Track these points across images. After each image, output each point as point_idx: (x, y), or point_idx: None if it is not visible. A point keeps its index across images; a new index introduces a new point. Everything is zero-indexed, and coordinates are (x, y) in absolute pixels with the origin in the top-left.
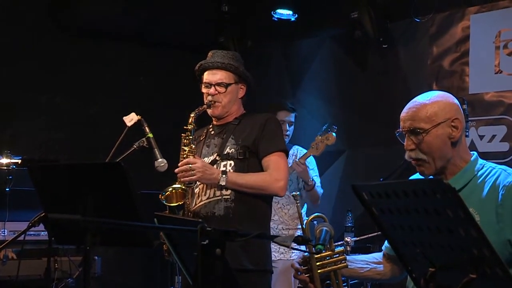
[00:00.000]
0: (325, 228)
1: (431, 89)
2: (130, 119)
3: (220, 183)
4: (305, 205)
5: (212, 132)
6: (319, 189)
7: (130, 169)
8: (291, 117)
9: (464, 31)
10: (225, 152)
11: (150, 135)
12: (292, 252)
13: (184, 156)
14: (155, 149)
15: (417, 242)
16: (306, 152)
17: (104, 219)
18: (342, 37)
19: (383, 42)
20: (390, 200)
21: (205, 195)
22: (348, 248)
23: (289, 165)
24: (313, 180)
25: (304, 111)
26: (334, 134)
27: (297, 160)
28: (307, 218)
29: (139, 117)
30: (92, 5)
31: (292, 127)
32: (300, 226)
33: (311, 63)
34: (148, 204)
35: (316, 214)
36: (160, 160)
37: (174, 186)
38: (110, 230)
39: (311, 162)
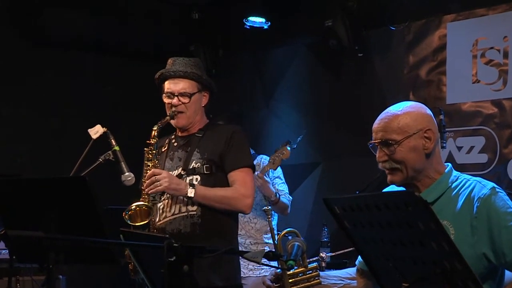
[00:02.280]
0: (297, 243)
1: (407, 99)
2: (96, 131)
3: (188, 194)
4: (276, 217)
5: (175, 144)
6: (286, 199)
7: (96, 183)
8: None
9: (441, 39)
10: (191, 167)
11: (117, 148)
12: (262, 269)
13: (148, 171)
14: (122, 163)
15: (390, 256)
16: (264, 166)
17: (67, 236)
18: (317, 45)
19: (358, 51)
20: (362, 214)
21: (170, 211)
22: (323, 264)
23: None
24: (276, 193)
25: (277, 121)
26: (288, 148)
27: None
28: (279, 232)
29: (104, 129)
30: (57, 13)
31: None
32: (268, 241)
33: (284, 72)
34: (114, 220)
35: (288, 229)
36: (127, 174)
37: (137, 203)
38: (75, 247)
39: (276, 171)
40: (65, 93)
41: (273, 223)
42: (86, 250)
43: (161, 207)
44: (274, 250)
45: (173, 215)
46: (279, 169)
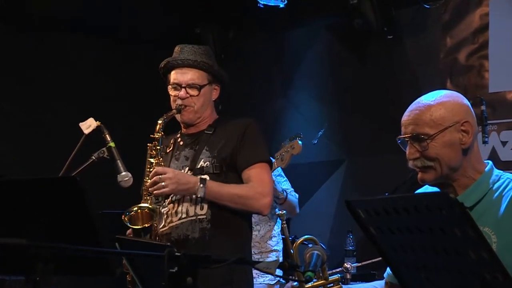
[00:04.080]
0: (316, 252)
1: (444, 87)
2: (88, 125)
3: (198, 194)
4: (279, 223)
5: (182, 143)
6: (294, 197)
7: (88, 184)
8: None
9: (482, 19)
10: (199, 166)
11: (112, 144)
12: (266, 276)
13: (151, 170)
14: (118, 161)
15: (422, 266)
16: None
17: (57, 244)
18: (340, 26)
19: (387, 33)
20: (390, 218)
21: (176, 215)
22: (348, 276)
23: None
24: (283, 191)
25: (295, 113)
26: (300, 141)
27: None
28: (280, 238)
29: (98, 123)
30: None
31: None
32: (275, 247)
33: (303, 58)
34: (110, 226)
35: (307, 236)
36: (123, 173)
37: (140, 205)
38: (65, 256)
39: (276, 169)
40: (53, 83)
41: (277, 228)
42: (78, 259)
43: (165, 211)
44: (286, 258)
45: (179, 219)
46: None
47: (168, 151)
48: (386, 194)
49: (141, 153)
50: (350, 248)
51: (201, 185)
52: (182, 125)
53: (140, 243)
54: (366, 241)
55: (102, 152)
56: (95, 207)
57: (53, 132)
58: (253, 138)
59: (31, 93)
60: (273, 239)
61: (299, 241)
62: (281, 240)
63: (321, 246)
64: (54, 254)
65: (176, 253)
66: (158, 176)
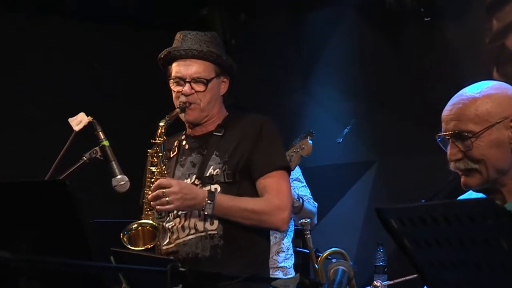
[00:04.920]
0: (341, 267)
1: (490, 77)
2: (78, 121)
3: (205, 211)
4: (290, 235)
5: (187, 147)
6: (311, 205)
7: (79, 189)
8: None
9: None
10: (208, 174)
11: (106, 143)
12: None
13: (152, 180)
14: (113, 162)
15: (463, 283)
16: None
17: (43, 257)
18: (369, 7)
19: (424, 14)
20: (427, 229)
21: (183, 230)
22: None
23: None
24: (299, 198)
25: (317, 107)
26: (310, 141)
27: None
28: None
29: (90, 118)
30: None
31: None
32: (283, 264)
33: (326, 43)
34: (103, 237)
35: (332, 249)
36: (119, 177)
37: (140, 222)
38: (52, 271)
39: (293, 171)
40: (39, 72)
41: (286, 242)
42: (67, 275)
43: (170, 225)
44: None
45: (187, 235)
46: (297, 169)
47: (171, 155)
48: (423, 200)
49: (140, 153)
50: (381, 263)
51: (209, 201)
52: (187, 125)
53: (139, 257)
54: (399, 255)
55: (94, 152)
56: (87, 215)
57: (39, 128)
58: (269, 141)
59: (14, 84)
60: (281, 254)
61: (324, 255)
62: (293, 256)
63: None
64: (40, 269)
65: (181, 269)
66: (161, 190)
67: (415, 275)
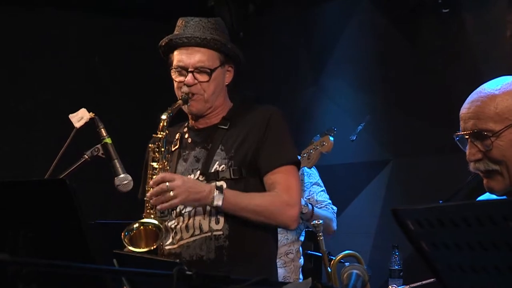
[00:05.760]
0: (355, 271)
1: (511, 72)
2: (79, 117)
3: (215, 203)
4: (301, 239)
5: (190, 140)
6: (328, 211)
7: (80, 188)
8: None
9: None
10: (213, 170)
11: (108, 140)
12: None
13: (154, 176)
14: (115, 161)
15: None
16: None
17: (41, 260)
18: None
19: (442, 5)
20: (446, 231)
21: (187, 231)
22: None
23: None
24: (307, 204)
25: (330, 103)
26: (331, 138)
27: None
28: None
29: (91, 114)
30: None
31: None
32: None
33: (340, 36)
34: (105, 238)
35: (346, 252)
36: (122, 176)
37: (142, 221)
38: (51, 275)
39: (312, 174)
40: (37, 65)
41: (297, 245)
42: (67, 279)
43: (174, 225)
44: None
45: (191, 236)
46: (315, 172)
47: (173, 149)
48: (441, 201)
49: (144, 151)
50: (396, 267)
51: (217, 192)
52: (189, 116)
53: (143, 260)
54: (416, 259)
55: (96, 149)
56: (88, 215)
57: (38, 125)
58: (277, 133)
59: (12, 80)
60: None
61: (337, 258)
62: (302, 259)
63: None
64: (38, 272)
65: (187, 272)
66: (164, 184)
67: (433, 280)
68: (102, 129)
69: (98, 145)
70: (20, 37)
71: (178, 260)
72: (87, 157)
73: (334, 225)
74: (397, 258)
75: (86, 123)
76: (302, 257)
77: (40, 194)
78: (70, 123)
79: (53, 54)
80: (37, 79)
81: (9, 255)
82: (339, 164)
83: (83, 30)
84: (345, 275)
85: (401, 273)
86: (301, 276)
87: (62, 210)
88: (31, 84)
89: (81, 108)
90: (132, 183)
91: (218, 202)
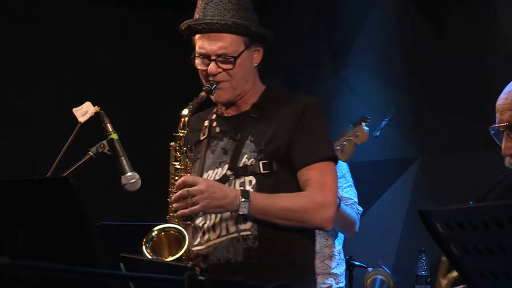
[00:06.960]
0: (380, 277)
1: None
2: (84, 111)
3: (240, 211)
4: (340, 238)
5: (218, 130)
6: (353, 211)
7: (84, 187)
8: None
9: None
10: (241, 164)
11: (115, 136)
12: None
13: (176, 178)
14: (122, 158)
15: None
16: None
17: (43, 263)
18: None
19: None
20: (477, 234)
21: (214, 231)
22: None
23: None
24: None
25: (352, 95)
26: (365, 127)
27: None
28: (343, 258)
29: (96, 108)
30: None
31: None
32: (334, 271)
33: (362, 25)
34: (111, 241)
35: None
36: (129, 174)
37: (162, 226)
38: (54, 279)
39: (339, 167)
40: (36, 56)
41: (338, 245)
42: (70, 283)
43: (201, 223)
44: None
45: (218, 237)
46: (344, 165)
47: (202, 138)
48: (471, 202)
49: (153, 147)
50: (423, 273)
51: (244, 200)
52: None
53: (152, 264)
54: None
55: (101, 146)
56: (92, 216)
57: (41, 120)
58: (313, 126)
59: (7, 69)
60: (334, 260)
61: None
62: (343, 262)
63: (386, 270)
64: (40, 277)
65: (200, 277)
66: (186, 189)
67: (463, 286)
68: (108, 124)
69: (104, 141)
70: (22, 28)
71: (189, 265)
72: (92, 154)
73: (357, 227)
74: (424, 263)
75: (91, 118)
76: (343, 259)
77: (42, 193)
78: (73, 117)
79: (54, 45)
80: (38, 70)
81: (10, 258)
82: (362, 161)
83: (86, 19)
84: (368, 281)
85: (428, 279)
86: (344, 281)
87: (65, 210)
88: (31, 76)
89: (86, 101)
90: (140, 182)
91: (243, 210)
